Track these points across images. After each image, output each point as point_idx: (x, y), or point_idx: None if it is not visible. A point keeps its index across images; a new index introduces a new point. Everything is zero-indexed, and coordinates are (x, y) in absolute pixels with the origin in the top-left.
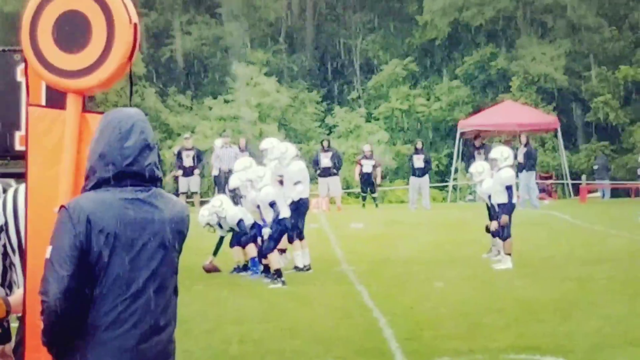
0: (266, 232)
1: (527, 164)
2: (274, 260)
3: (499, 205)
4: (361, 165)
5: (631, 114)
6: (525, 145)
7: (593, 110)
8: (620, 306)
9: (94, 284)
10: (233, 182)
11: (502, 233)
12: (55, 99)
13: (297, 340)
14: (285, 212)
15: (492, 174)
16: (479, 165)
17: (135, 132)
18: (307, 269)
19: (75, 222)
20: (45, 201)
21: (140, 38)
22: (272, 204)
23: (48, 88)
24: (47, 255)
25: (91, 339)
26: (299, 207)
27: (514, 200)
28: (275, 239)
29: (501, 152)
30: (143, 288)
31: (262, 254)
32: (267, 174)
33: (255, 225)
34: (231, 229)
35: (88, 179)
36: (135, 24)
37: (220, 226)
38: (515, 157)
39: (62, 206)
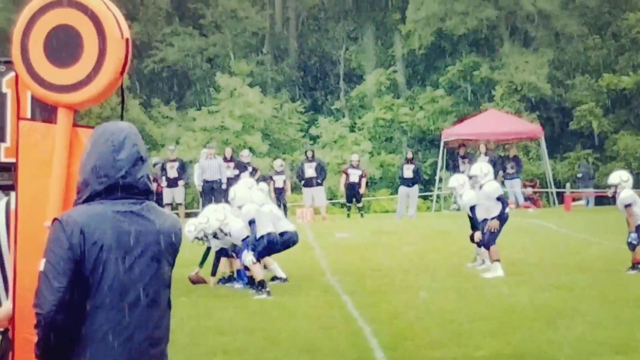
0: (247, 258)
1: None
2: (257, 271)
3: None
4: (347, 175)
5: (614, 122)
6: (486, 154)
7: (576, 119)
8: (604, 313)
9: (88, 296)
10: (214, 225)
11: (488, 239)
12: (40, 111)
13: (282, 351)
14: (268, 227)
15: (473, 185)
16: (459, 178)
17: (128, 144)
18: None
19: (68, 234)
20: (35, 215)
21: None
22: (251, 223)
23: (33, 100)
24: (41, 268)
25: (85, 352)
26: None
27: (507, 210)
28: (260, 252)
29: (480, 169)
30: (136, 301)
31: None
32: (238, 192)
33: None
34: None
35: (80, 192)
36: (127, 39)
37: (207, 238)
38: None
39: (55, 219)
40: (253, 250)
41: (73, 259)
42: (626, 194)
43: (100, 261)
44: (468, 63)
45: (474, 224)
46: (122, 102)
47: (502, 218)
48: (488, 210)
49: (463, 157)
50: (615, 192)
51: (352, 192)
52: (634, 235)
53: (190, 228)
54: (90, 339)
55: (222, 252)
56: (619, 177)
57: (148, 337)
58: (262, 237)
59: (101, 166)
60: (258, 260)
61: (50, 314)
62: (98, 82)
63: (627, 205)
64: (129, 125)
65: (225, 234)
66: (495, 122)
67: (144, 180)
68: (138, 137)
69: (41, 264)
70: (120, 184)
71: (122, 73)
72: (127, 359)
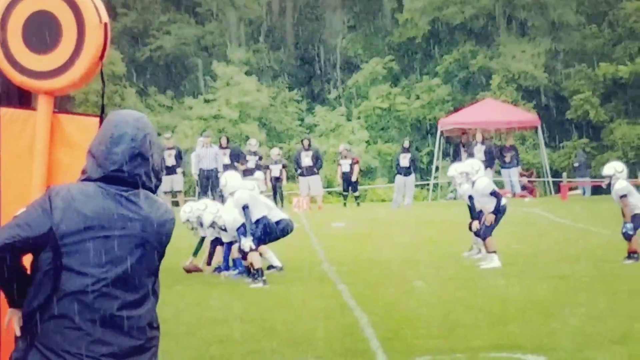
0: (247, 244)
1: (487, 160)
2: (256, 259)
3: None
4: (340, 166)
5: (611, 111)
6: (483, 143)
7: (573, 108)
8: (602, 304)
9: (60, 268)
10: (208, 218)
11: (484, 232)
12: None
13: (278, 340)
14: (263, 211)
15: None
16: (458, 167)
17: (125, 139)
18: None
19: (55, 203)
20: (18, 203)
21: (111, 37)
22: (245, 208)
23: None
24: (17, 214)
25: (59, 329)
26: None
27: (503, 202)
28: (257, 238)
29: (471, 165)
30: (113, 282)
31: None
32: (230, 179)
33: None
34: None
35: (82, 174)
36: (105, 24)
37: (202, 225)
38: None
39: (48, 186)
40: (252, 235)
41: (50, 225)
42: (621, 185)
43: (81, 238)
44: (465, 52)
45: (473, 213)
46: (103, 88)
47: (499, 211)
48: (484, 205)
49: (464, 146)
50: (610, 183)
51: (347, 181)
52: (629, 225)
53: (186, 209)
54: (64, 316)
55: (217, 241)
56: (614, 168)
57: (126, 320)
58: (257, 221)
59: (98, 156)
60: (256, 247)
61: None
62: (77, 68)
63: (623, 196)
64: (137, 118)
65: (221, 228)
66: (492, 111)
67: (140, 178)
68: (142, 132)
69: (19, 211)
70: (114, 177)
71: (101, 58)
72: (102, 338)
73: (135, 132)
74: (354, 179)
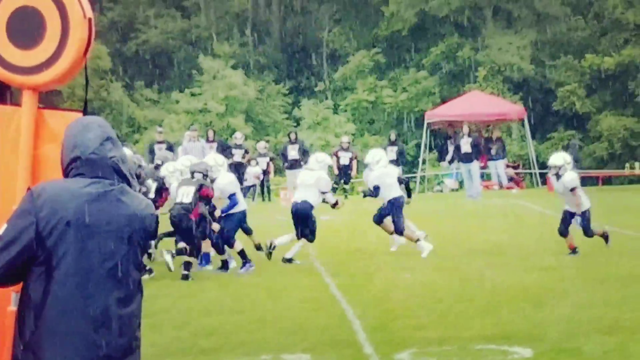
0: (216, 227)
1: (473, 153)
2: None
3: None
4: (338, 157)
5: (597, 102)
6: (469, 135)
7: (559, 99)
8: (589, 294)
9: (51, 268)
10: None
11: (397, 228)
12: None
13: (267, 332)
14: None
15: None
16: (376, 154)
17: (94, 126)
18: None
19: (38, 206)
20: (2, 198)
21: (96, 32)
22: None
23: None
24: (0, 232)
25: (46, 328)
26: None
27: (398, 195)
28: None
29: (372, 156)
30: (103, 279)
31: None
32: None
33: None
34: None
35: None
36: (89, 19)
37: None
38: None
39: (28, 188)
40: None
41: (36, 231)
42: (571, 176)
43: (66, 237)
44: (451, 44)
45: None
46: (86, 84)
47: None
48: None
49: (450, 138)
50: (557, 174)
51: (343, 174)
52: (580, 219)
53: (169, 168)
54: (52, 316)
55: (203, 234)
56: (563, 158)
57: (114, 318)
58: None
59: (75, 144)
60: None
61: None
62: (62, 63)
63: (573, 189)
64: (98, 117)
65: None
66: (479, 103)
67: (114, 161)
68: (106, 122)
69: (1, 229)
70: (92, 160)
71: (85, 53)
72: (90, 337)
73: (100, 121)
74: (353, 174)
